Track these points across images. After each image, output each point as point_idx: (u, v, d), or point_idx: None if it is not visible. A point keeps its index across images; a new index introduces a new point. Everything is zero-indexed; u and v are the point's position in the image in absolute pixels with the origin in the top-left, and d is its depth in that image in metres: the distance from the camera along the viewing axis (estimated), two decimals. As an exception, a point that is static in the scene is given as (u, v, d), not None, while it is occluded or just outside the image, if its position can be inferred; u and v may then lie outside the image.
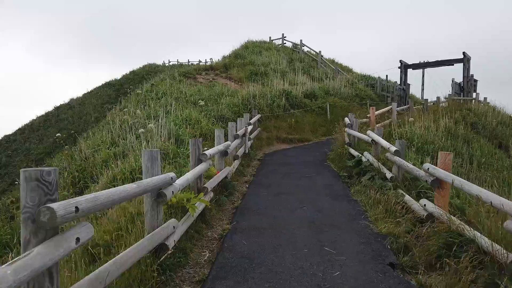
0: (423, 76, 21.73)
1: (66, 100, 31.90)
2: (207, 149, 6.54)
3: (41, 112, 31.55)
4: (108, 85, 32.47)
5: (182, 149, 8.01)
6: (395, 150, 5.98)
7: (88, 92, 32.69)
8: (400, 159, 5.76)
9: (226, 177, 6.51)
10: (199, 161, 4.97)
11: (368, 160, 7.55)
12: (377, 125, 12.51)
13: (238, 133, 8.33)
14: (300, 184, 7.03)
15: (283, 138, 13.44)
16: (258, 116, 12.84)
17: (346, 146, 9.31)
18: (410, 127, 10.18)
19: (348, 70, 26.53)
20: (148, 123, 9.46)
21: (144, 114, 11.14)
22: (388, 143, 6.51)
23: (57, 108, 31.22)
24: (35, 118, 30.93)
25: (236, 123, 9.82)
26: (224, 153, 6.58)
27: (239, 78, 19.77)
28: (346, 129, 9.88)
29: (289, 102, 15.41)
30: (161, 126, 8.72)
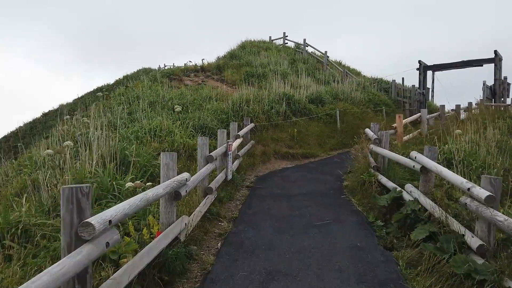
0: (433, 81, 18.96)
1: (55, 106, 29.53)
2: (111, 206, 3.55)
3: (28, 118, 29.29)
4: (100, 90, 30.15)
5: (125, 178, 5.21)
6: (489, 196, 3.16)
7: (78, 98, 30.44)
8: (510, 220, 2.91)
9: (176, 239, 3.68)
10: (78, 241, 2.15)
11: (416, 199, 4.71)
12: (405, 137, 9.69)
13: (212, 154, 5.49)
14: (306, 247, 4.14)
15: (283, 153, 10.59)
16: (251, 125, 10.03)
17: (372, 170, 6.45)
18: (458, 142, 7.30)
19: (357, 73, 23.73)
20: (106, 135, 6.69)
21: (98, 124, 8.35)
22: (464, 180, 3.66)
23: (45, 115, 28.88)
24: (22, 125, 28.66)
25: (216, 137, 7.06)
26: (174, 196, 3.75)
27: (233, 81, 17.08)
28: (371, 145, 7.01)
29: (290, 108, 12.61)
30: (100, 140, 5.91)
